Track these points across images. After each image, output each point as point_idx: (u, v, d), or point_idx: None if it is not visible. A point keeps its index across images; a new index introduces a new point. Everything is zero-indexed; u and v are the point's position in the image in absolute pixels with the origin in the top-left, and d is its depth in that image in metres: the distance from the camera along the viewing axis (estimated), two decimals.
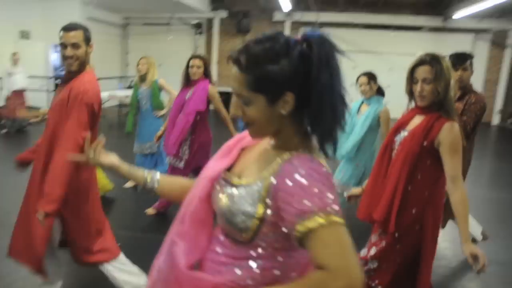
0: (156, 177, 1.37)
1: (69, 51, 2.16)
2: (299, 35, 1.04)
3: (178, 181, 1.41)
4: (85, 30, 2.22)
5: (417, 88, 1.98)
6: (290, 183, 0.98)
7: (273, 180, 1.02)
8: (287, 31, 12.55)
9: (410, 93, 2.07)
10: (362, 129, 3.59)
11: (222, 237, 1.15)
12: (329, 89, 1.01)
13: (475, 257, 1.79)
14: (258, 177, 1.07)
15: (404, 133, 2.09)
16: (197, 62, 3.81)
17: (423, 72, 1.96)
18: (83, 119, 2.11)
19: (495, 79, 12.83)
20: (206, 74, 3.87)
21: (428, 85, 1.95)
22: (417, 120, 2.06)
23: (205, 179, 1.20)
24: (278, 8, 11.43)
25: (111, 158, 1.41)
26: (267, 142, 1.16)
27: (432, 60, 1.94)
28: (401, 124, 2.14)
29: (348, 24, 12.55)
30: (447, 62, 1.95)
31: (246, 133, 1.22)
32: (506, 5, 10.00)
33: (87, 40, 2.22)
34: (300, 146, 1.08)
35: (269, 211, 1.04)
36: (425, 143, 1.97)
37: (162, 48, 13.15)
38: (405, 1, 12.26)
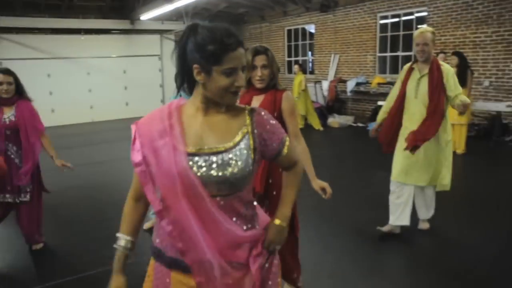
0: (128, 238, 1.43)
1: None
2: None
3: (134, 217, 1.45)
4: None
5: (258, 73, 2.39)
6: (268, 127, 1.39)
7: (255, 130, 1.36)
8: None
9: (249, 80, 2.44)
10: None
11: (222, 202, 1.31)
12: None
13: (323, 189, 2.39)
14: (240, 133, 1.34)
15: None
16: (6, 77, 3.34)
17: (260, 60, 2.37)
18: None
19: None
20: (20, 92, 3.45)
21: (266, 70, 2.39)
22: (257, 100, 2.44)
23: (183, 169, 1.26)
24: None
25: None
26: (191, 112, 1.35)
27: (265, 50, 2.39)
28: None
29: (32, 29, 11.52)
30: (272, 52, 2.44)
31: (156, 114, 1.36)
32: (179, 10, 11.40)
33: None
34: None
35: (257, 154, 1.36)
36: (275, 114, 2.36)
37: None
38: (90, 5, 12.17)
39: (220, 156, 1.29)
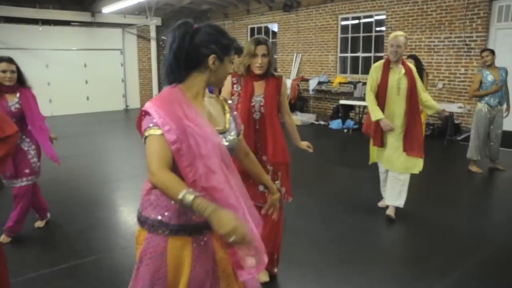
0: (190, 189, 1.40)
1: None
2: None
3: (177, 177, 1.43)
4: None
5: (258, 61, 2.67)
6: (237, 112, 1.81)
7: (232, 112, 1.73)
8: None
9: (247, 67, 2.73)
10: None
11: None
12: None
13: (308, 146, 2.98)
14: (227, 114, 1.70)
15: (259, 98, 2.74)
16: (9, 66, 3.42)
17: (261, 49, 2.65)
18: None
19: (147, 68, 14.27)
20: (21, 81, 3.55)
21: (265, 58, 2.67)
22: (259, 85, 2.75)
23: (221, 146, 1.54)
24: None
25: None
26: (191, 97, 1.57)
27: (266, 41, 2.68)
28: (251, 92, 2.75)
29: None
30: (270, 43, 2.74)
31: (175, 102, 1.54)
32: (142, 4, 11.28)
33: None
34: None
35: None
36: (278, 97, 2.79)
37: None
38: None
39: (227, 133, 1.65)
